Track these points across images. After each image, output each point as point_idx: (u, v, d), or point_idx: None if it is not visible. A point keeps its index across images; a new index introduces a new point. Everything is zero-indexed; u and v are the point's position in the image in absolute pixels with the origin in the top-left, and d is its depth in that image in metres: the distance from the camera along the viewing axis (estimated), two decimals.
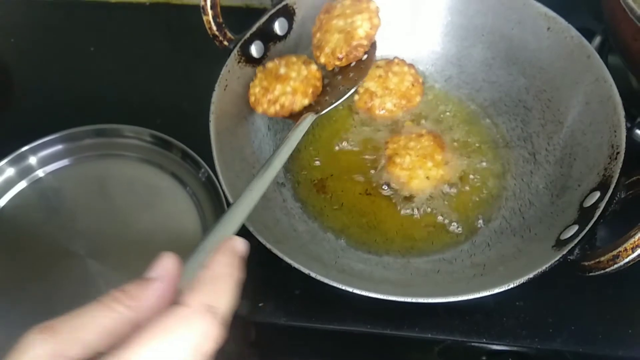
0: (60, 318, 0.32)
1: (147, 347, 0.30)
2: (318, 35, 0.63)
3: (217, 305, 0.33)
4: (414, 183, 0.70)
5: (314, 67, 0.64)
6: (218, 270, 0.35)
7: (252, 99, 0.62)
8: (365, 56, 0.63)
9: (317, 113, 0.61)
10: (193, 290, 0.33)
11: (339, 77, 0.64)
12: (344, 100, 0.63)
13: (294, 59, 0.65)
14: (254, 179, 0.50)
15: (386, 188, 0.70)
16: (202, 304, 0.32)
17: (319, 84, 0.64)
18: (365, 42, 0.61)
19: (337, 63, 0.62)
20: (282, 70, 0.62)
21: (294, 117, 0.63)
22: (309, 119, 0.61)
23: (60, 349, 0.31)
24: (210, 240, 0.40)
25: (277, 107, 0.61)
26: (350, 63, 0.64)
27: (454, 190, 0.70)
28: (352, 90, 0.63)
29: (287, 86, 0.61)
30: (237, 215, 0.45)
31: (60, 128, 0.83)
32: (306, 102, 0.63)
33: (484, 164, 0.72)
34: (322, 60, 0.62)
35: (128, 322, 0.32)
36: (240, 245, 0.38)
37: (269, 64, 0.64)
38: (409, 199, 0.69)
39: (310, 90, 0.63)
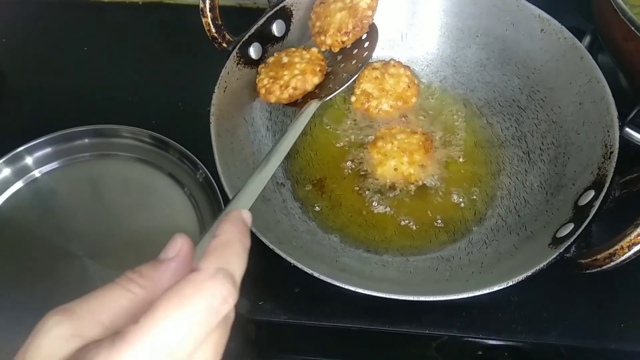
0: (77, 300, 0.33)
1: (166, 314, 0.30)
2: (318, 23, 0.63)
3: (231, 269, 0.33)
4: (380, 169, 0.72)
5: (314, 49, 0.65)
6: (228, 237, 0.35)
7: (262, 91, 0.62)
8: (367, 43, 0.64)
9: (320, 99, 0.61)
10: (206, 256, 0.33)
11: (342, 65, 0.64)
12: (347, 86, 0.63)
13: (292, 49, 0.66)
14: (262, 162, 0.51)
15: (361, 166, 0.73)
16: (215, 268, 0.32)
17: (323, 62, 0.64)
18: (369, 13, 0.62)
19: (345, 40, 0.63)
20: (285, 59, 0.63)
21: (300, 104, 0.63)
22: (313, 106, 0.61)
23: (79, 329, 0.32)
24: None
25: (290, 90, 0.62)
26: (353, 49, 0.64)
27: (420, 194, 0.71)
28: (355, 76, 0.63)
29: (294, 70, 0.62)
30: (247, 197, 0.46)
31: (56, 128, 0.83)
32: (316, 80, 0.63)
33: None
34: (329, 41, 0.63)
35: (144, 302, 0.33)
36: (248, 215, 0.39)
37: (270, 59, 0.65)
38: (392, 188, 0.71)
39: (317, 69, 0.63)
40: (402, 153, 0.72)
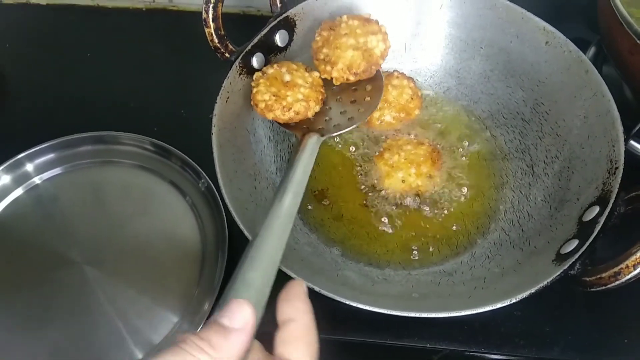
0: None
1: None
2: (325, 50, 0.63)
3: None
4: (388, 180, 0.72)
5: (316, 74, 0.65)
6: (304, 322, 0.37)
7: (261, 105, 0.61)
8: (370, 87, 0.64)
9: (322, 135, 0.61)
10: (286, 346, 0.36)
11: (339, 97, 0.64)
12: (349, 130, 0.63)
13: (293, 65, 0.65)
14: (272, 209, 0.49)
15: (366, 178, 0.72)
16: None
17: (323, 90, 0.64)
18: (381, 62, 0.63)
19: (351, 78, 0.63)
20: (288, 77, 0.62)
21: (292, 127, 0.63)
22: (315, 141, 0.60)
23: None
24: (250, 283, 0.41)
25: (292, 113, 0.61)
26: (352, 85, 0.64)
27: (424, 206, 0.71)
28: (358, 123, 0.63)
29: (298, 93, 0.61)
30: (274, 247, 0.45)
31: (56, 135, 0.83)
32: (317, 108, 0.63)
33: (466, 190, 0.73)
34: (335, 74, 0.63)
35: None
36: (305, 286, 0.39)
37: (269, 70, 0.64)
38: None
39: (320, 97, 0.63)
40: (410, 165, 0.71)
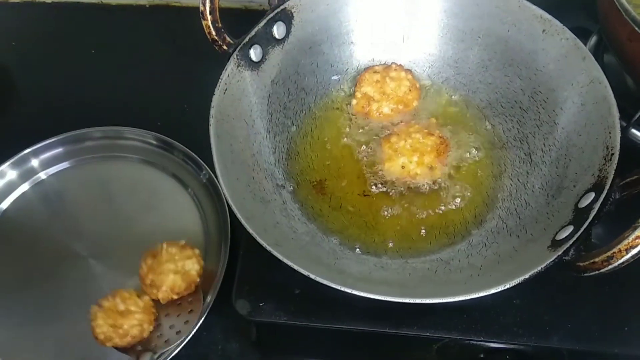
0: None
1: None
2: (151, 276, 0.70)
3: None
4: (388, 164, 0.72)
5: (146, 297, 0.70)
6: None
7: (101, 336, 0.67)
8: (191, 299, 0.72)
9: (155, 352, 0.68)
10: None
11: (167, 313, 0.71)
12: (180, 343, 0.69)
13: (125, 294, 0.69)
14: None
15: (366, 169, 0.73)
16: None
17: (154, 310, 0.71)
18: (197, 279, 0.72)
19: (175, 297, 0.71)
20: (122, 307, 0.68)
21: (129, 350, 0.68)
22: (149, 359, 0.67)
23: None
24: None
25: (129, 338, 0.67)
26: (177, 301, 0.72)
27: (422, 195, 0.71)
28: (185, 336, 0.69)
29: (132, 319, 0.68)
30: None
31: (61, 130, 0.84)
32: (151, 328, 0.70)
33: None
34: (160, 296, 0.70)
35: None
36: None
37: (105, 303, 0.68)
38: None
39: (153, 318, 0.70)
40: (414, 152, 0.72)
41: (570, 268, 0.54)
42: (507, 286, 0.53)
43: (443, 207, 0.70)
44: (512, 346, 0.64)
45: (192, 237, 0.77)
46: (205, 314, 0.70)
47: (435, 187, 0.71)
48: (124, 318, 0.67)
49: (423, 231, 0.68)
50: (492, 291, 0.53)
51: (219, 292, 0.72)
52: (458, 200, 0.70)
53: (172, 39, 0.97)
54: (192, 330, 0.69)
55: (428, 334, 0.63)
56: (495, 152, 0.74)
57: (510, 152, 0.73)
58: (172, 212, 0.80)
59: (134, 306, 0.68)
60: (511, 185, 0.71)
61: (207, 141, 0.63)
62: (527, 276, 0.54)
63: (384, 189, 0.71)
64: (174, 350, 0.69)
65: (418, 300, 0.54)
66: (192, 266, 0.71)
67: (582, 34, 0.69)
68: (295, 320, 0.64)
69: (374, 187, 0.71)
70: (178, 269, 0.70)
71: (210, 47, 0.70)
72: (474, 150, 0.74)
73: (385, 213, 0.70)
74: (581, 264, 0.53)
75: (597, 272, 0.52)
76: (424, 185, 0.71)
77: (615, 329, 0.64)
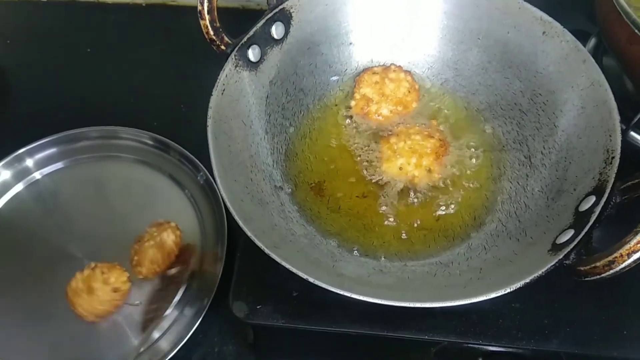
0: None
1: None
2: (136, 257, 0.73)
3: None
4: (386, 165, 0.72)
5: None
6: None
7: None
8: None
9: None
10: None
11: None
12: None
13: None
14: None
15: (365, 171, 0.73)
16: None
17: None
18: (175, 249, 0.74)
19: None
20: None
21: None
22: None
23: None
24: None
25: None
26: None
27: (421, 198, 0.71)
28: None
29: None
30: None
31: (56, 130, 0.83)
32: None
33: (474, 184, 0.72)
34: (144, 272, 0.73)
35: None
36: None
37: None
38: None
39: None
40: (413, 154, 0.71)
41: (571, 272, 0.54)
42: (508, 290, 0.53)
43: (442, 210, 0.70)
44: (511, 349, 0.64)
45: (188, 237, 0.76)
46: (202, 316, 0.69)
47: (435, 189, 0.71)
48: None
49: (422, 234, 0.68)
50: (492, 295, 0.53)
51: (215, 294, 0.71)
52: (457, 202, 0.70)
53: (168, 38, 0.97)
54: (189, 333, 0.68)
55: (426, 337, 0.63)
56: (495, 155, 0.73)
57: (510, 154, 0.73)
58: (168, 213, 0.79)
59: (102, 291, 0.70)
60: (511, 188, 0.70)
61: (205, 142, 0.63)
62: (527, 280, 0.53)
63: (383, 191, 0.71)
64: (170, 353, 0.68)
65: (417, 305, 0.53)
66: (168, 237, 0.74)
67: (581, 37, 0.69)
68: (293, 323, 0.64)
69: (372, 188, 0.71)
70: (156, 243, 0.73)
71: (208, 47, 0.69)
72: (473, 152, 0.73)
73: (384, 215, 0.69)
74: (582, 269, 0.53)
75: (598, 276, 0.51)
76: (423, 187, 0.71)
77: (614, 333, 0.64)
